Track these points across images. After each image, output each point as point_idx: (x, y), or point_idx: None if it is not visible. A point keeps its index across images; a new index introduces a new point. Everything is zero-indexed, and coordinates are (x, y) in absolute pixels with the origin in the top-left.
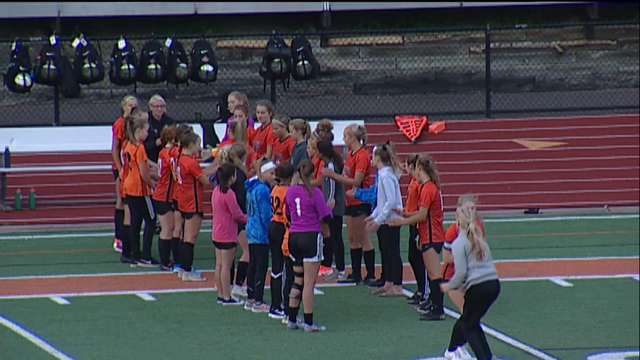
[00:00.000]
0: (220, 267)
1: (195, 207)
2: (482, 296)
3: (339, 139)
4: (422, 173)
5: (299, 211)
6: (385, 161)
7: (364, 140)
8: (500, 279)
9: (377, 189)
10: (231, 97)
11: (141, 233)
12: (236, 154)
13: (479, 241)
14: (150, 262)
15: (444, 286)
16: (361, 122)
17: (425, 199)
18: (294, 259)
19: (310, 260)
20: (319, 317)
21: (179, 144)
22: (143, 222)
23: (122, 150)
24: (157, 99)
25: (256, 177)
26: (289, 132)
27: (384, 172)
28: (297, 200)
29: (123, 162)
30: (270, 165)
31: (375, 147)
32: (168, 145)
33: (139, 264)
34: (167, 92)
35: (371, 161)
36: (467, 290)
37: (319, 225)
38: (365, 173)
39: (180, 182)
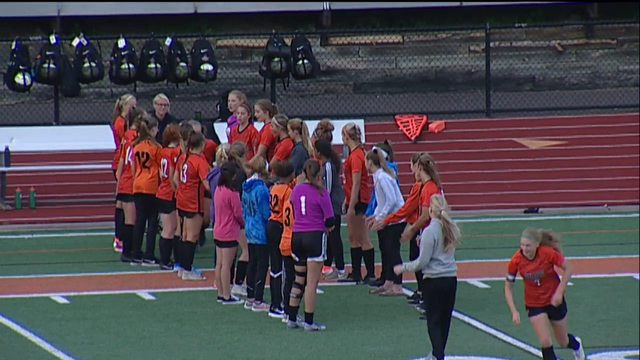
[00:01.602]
0: (221, 266)
1: (198, 206)
2: (434, 290)
3: (339, 139)
4: (422, 173)
5: (303, 210)
6: (377, 164)
7: (359, 140)
8: (500, 278)
9: (374, 191)
10: (232, 97)
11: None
12: (236, 152)
13: (451, 229)
14: (154, 261)
15: (397, 269)
16: (361, 122)
17: (426, 199)
18: (297, 259)
19: (315, 259)
20: (319, 316)
21: (186, 142)
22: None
23: (128, 149)
24: (161, 98)
25: (254, 177)
26: (286, 132)
27: (379, 175)
28: (303, 198)
29: (131, 162)
30: None
31: (367, 152)
32: (172, 144)
33: (143, 263)
34: (167, 91)
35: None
36: (423, 282)
37: (323, 225)
38: (362, 172)
39: (184, 181)
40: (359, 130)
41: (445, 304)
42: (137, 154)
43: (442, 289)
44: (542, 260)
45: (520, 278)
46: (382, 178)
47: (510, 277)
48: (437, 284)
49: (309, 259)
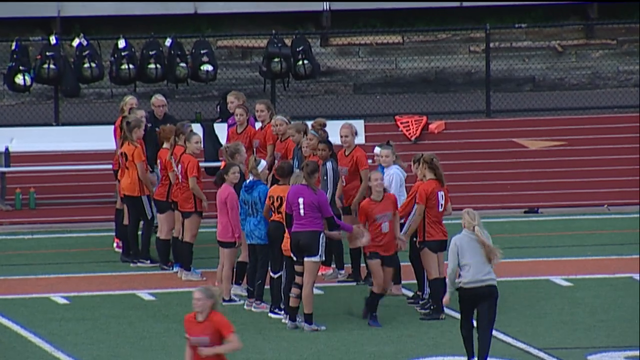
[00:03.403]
0: (224, 266)
1: (194, 206)
2: (467, 299)
3: (333, 138)
4: (427, 172)
5: (302, 211)
6: (396, 159)
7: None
8: (500, 279)
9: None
10: (230, 98)
11: (139, 233)
12: (229, 153)
13: (490, 249)
14: (149, 261)
15: (446, 299)
16: (361, 122)
17: (420, 196)
18: (295, 258)
19: (312, 259)
20: (319, 316)
21: (181, 142)
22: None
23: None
24: (158, 99)
25: (251, 177)
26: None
27: (391, 170)
28: (301, 200)
29: (120, 162)
30: (264, 163)
31: (384, 146)
32: (165, 145)
33: (138, 263)
34: (167, 92)
35: (382, 159)
36: (458, 289)
37: (321, 225)
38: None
39: (180, 181)
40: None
41: (482, 311)
42: (121, 154)
43: (475, 297)
44: (209, 326)
45: None
46: (395, 173)
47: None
48: (470, 293)
49: (305, 259)
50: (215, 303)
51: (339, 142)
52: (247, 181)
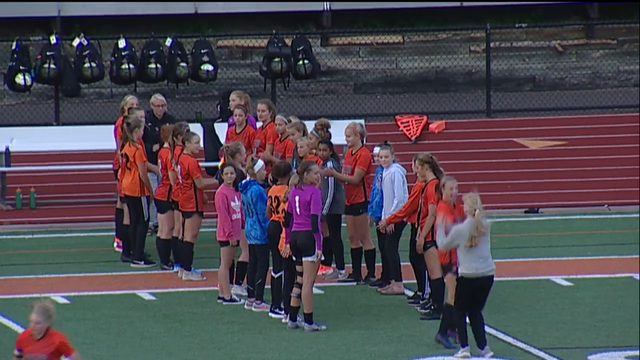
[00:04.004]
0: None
1: (195, 206)
2: (468, 290)
3: (336, 138)
4: (427, 172)
5: (298, 210)
6: (394, 158)
7: (364, 139)
8: (500, 279)
9: (380, 190)
10: (233, 96)
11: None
12: (229, 152)
13: (478, 227)
14: (143, 262)
15: (439, 247)
16: (361, 122)
17: (432, 196)
18: (294, 258)
19: (309, 259)
20: (320, 316)
21: (179, 142)
22: None
23: (119, 151)
24: (158, 98)
25: (249, 178)
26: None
27: (393, 168)
28: (297, 198)
29: (121, 162)
30: (260, 163)
31: (382, 146)
32: (165, 144)
33: (131, 264)
34: (168, 92)
35: (382, 159)
36: (457, 280)
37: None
38: (366, 172)
39: (180, 181)
40: (365, 129)
41: (477, 300)
42: (122, 155)
43: (475, 287)
44: (49, 345)
45: None
46: (396, 172)
47: (17, 353)
48: (469, 283)
49: (303, 259)
50: (52, 323)
51: (343, 142)
52: (243, 181)
